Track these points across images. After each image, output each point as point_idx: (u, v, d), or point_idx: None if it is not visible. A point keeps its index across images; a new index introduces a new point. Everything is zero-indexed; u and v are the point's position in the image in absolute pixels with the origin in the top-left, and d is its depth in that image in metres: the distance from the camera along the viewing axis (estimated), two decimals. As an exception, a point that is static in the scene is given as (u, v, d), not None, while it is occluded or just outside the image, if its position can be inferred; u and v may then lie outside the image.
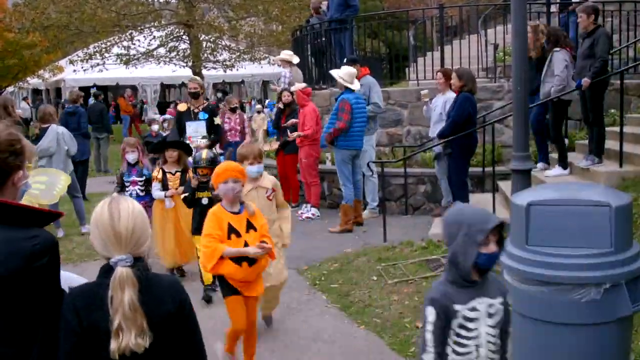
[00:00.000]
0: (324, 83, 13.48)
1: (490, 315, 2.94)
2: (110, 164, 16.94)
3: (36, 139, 9.50)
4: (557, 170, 8.66)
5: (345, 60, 10.45)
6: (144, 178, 7.70)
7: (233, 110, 13.26)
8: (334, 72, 9.73)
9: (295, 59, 12.73)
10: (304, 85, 11.15)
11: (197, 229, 6.06)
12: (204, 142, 9.24)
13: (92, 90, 20.74)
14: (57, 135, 9.57)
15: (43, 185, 4.15)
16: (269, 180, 5.66)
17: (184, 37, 22.65)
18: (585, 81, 8.07)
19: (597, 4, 8.99)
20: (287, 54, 12.97)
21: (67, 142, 9.72)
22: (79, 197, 10.12)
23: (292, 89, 10.99)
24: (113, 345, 2.37)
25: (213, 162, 6.34)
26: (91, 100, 20.08)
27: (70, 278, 3.00)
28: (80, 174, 11.72)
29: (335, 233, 9.32)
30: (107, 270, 2.48)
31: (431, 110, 9.48)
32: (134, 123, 24.19)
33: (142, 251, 2.57)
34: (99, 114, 16.58)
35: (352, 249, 8.27)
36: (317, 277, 7.34)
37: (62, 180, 4.41)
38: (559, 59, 8.42)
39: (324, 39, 13.51)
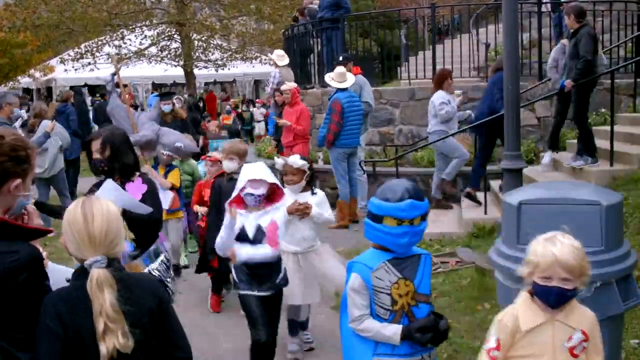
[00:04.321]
0: (315, 82, 13.50)
1: None
2: None
3: (29, 132, 9.73)
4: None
5: (340, 59, 10.46)
6: None
7: None
8: (327, 76, 9.86)
9: (284, 61, 12.69)
10: (294, 85, 11.15)
11: None
12: None
13: (101, 91, 20.56)
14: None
15: None
16: None
17: (175, 36, 22.58)
18: (568, 82, 8.11)
19: (587, 3, 9.03)
20: (278, 54, 12.94)
21: (60, 137, 9.89)
22: (68, 196, 10.11)
23: (283, 87, 10.96)
24: (102, 349, 2.34)
25: None
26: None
27: (67, 271, 2.94)
28: (71, 173, 11.72)
29: (331, 230, 9.33)
30: (81, 273, 2.44)
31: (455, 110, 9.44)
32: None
33: (117, 252, 2.53)
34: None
35: (345, 247, 8.27)
36: (310, 277, 7.35)
37: None
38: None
39: (316, 39, 13.51)
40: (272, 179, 4.54)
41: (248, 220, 4.59)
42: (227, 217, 4.58)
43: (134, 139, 6.76)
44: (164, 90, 22.69)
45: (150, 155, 7.90)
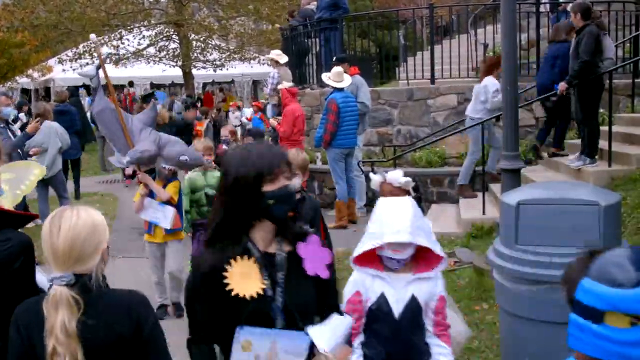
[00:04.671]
0: (313, 83, 13.50)
1: None
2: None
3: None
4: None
5: (334, 60, 10.49)
6: None
7: None
8: (324, 75, 9.88)
9: (284, 59, 12.70)
10: (290, 84, 11.18)
11: None
12: None
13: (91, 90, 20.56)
14: (50, 130, 9.72)
15: (6, 185, 3.80)
16: None
17: (173, 36, 22.58)
18: (562, 85, 8.09)
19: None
20: (275, 54, 12.95)
21: (61, 138, 9.88)
22: (67, 198, 10.10)
23: (279, 87, 10.98)
24: None
25: None
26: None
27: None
28: (75, 173, 11.79)
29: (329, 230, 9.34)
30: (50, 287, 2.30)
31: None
32: None
33: (87, 268, 2.31)
34: None
35: (343, 248, 8.27)
36: (308, 277, 7.34)
37: (33, 174, 4.04)
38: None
39: (314, 39, 13.51)
40: (425, 239, 2.96)
41: (390, 287, 3.03)
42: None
43: (134, 156, 5.82)
44: (164, 91, 22.70)
45: (146, 168, 6.58)
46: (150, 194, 6.28)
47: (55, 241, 2.26)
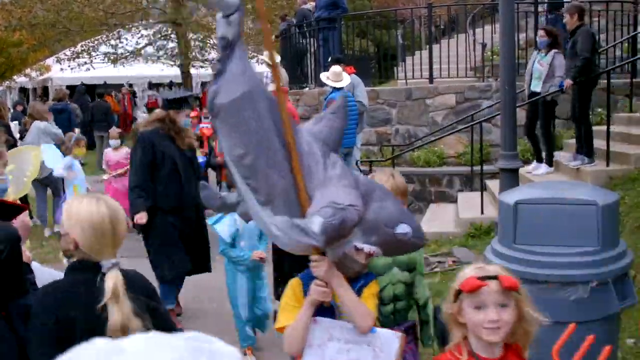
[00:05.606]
0: (312, 82, 13.52)
1: None
2: None
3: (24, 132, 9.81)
4: (544, 168, 8.71)
5: (329, 60, 10.50)
6: None
7: None
8: (323, 75, 9.88)
9: (276, 59, 12.70)
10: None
11: None
12: None
13: (97, 91, 20.56)
14: (39, 130, 9.73)
15: (10, 176, 3.85)
16: None
17: (172, 35, 22.58)
18: (567, 82, 8.12)
19: (583, 3, 9.02)
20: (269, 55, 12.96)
21: (53, 137, 9.90)
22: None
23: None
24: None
25: None
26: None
27: (53, 275, 2.95)
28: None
29: None
30: (75, 268, 2.45)
31: None
32: (126, 122, 23.93)
33: (118, 250, 2.57)
34: (104, 112, 16.63)
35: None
36: (306, 276, 7.35)
37: (31, 159, 4.07)
38: (560, 61, 8.42)
39: (312, 38, 13.53)
40: None
41: None
42: None
43: (335, 219, 2.44)
44: (162, 90, 22.64)
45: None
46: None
47: (107, 228, 2.44)
